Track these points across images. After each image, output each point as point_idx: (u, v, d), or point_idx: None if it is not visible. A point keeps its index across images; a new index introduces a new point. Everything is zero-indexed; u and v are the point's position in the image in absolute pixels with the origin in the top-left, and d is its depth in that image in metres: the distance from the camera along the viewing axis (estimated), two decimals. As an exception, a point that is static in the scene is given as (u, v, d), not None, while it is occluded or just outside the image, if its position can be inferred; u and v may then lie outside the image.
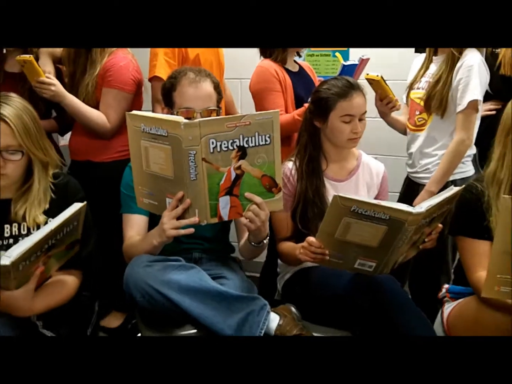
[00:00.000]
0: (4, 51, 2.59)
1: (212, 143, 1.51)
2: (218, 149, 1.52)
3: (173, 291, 1.64)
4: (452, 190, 1.70)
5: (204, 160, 1.52)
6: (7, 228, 1.63)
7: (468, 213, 1.73)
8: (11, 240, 1.62)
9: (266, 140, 1.58)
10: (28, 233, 1.62)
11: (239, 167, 1.57)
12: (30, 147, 1.59)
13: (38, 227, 1.62)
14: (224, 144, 1.53)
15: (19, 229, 1.64)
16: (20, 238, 1.61)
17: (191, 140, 1.49)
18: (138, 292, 1.66)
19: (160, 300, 1.64)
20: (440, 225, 1.75)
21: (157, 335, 1.75)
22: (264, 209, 1.63)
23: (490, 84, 2.35)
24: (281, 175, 1.67)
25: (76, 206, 1.52)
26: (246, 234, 1.85)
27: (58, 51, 2.62)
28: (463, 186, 1.76)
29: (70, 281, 1.66)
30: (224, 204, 1.60)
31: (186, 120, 1.51)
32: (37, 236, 1.42)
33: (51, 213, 1.63)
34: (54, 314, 1.62)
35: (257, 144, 1.57)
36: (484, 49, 2.44)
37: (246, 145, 1.56)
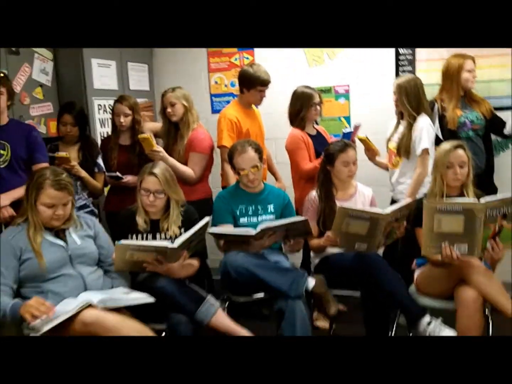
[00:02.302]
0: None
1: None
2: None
3: (251, 266, 2.90)
4: (407, 200, 2.97)
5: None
6: (158, 235, 2.91)
7: (419, 215, 2.95)
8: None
9: None
10: (170, 239, 2.88)
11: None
12: (168, 190, 2.89)
13: (175, 236, 2.88)
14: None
15: (165, 236, 2.91)
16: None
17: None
18: (233, 270, 2.92)
19: (244, 273, 2.89)
20: (404, 222, 3.00)
21: (242, 299, 2.99)
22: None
23: (442, 134, 3.63)
24: None
25: (204, 221, 2.78)
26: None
27: (158, 127, 3.96)
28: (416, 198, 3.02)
29: (195, 262, 2.92)
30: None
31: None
32: (182, 237, 2.68)
33: (183, 227, 2.92)
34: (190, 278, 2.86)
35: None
36: (436, 113, 3.68)
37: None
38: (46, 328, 2.08)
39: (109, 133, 4.07)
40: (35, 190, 2.47)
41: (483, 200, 2.59)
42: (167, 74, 4.94)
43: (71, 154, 3.55)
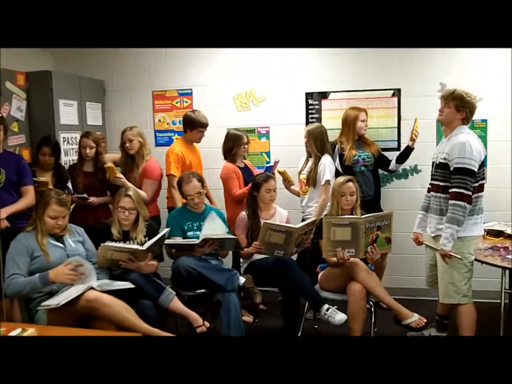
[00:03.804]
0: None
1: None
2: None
3: (198, 267, 3.84)
4: (312, 219, 4.03)
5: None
6: (127, 242, 3.79)
7: (321, 229, 3.95)
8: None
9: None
10: (138, 245, 3.76)
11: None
12: (138, 208, 3.81)
13: (142, 243, 3.76)
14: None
15: (133, 243, 3.78)
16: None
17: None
18: (184, 269, 3.85)
19: (193, 272, 3.83)
20: (311, 235, 4.03)
21: (188, 293, 3.92)
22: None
23: (341, 168, 4.70)
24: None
25: (163, 232, 3.70)
26: None
27: (116, 157, 4.83)
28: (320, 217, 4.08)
29: (156, 262, 3.80)
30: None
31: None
32: (149, 242, 3.59)
33: (146, 236, 3.81)
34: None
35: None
36: (337, 152, 4.74)
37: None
38: (62, 302, 2.93)
39: (72, 161, 4.93)
40: (43, 206, 3.33)
41: (363, 216, 3.68)
42: (117, 112, 5.85)
43: (47, 179, 4.35)
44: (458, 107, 3.53)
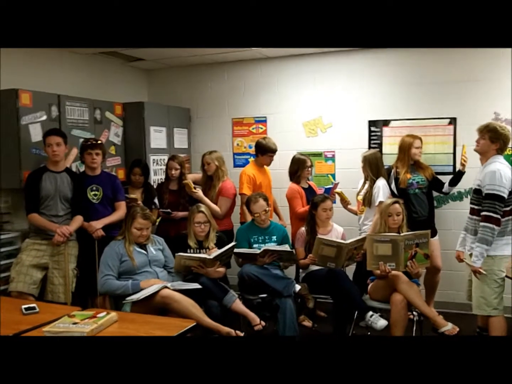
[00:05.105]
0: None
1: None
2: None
3: (259, 274, 4.44)
4: (362, 236, 4.53)
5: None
6: (202, 251, 4.45)
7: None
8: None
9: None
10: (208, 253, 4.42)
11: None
12: (210, 220, 4.47)
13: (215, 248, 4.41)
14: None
15: (205, 251, 4.42)
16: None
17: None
18: (247, 276, 4.46)
19: (254, 278, 4.43)
20: (362, 250, 4.53)
21: (251, 297, 4.52)
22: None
23: (397, 191, 5.14)
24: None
25: (231, 244, 4.33)
26: None
27: (197, 177, 5.54)
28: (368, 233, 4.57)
29: (223, 269, 4.43)
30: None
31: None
32: (216, 252, 4.23)
33: (217, 246, 4.46)
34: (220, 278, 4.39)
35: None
36: (392, 176, 5.20)
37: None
38: (143, 296, 3.64)
39: (160, 180, 5.70)
40: (131, 219, 4.07)
41: (402, 234, 4.16)
42: (201, 136, 6.63)
43: (137, 195, 5.11)
44: (492, 139, 3.95)
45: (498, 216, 3.79)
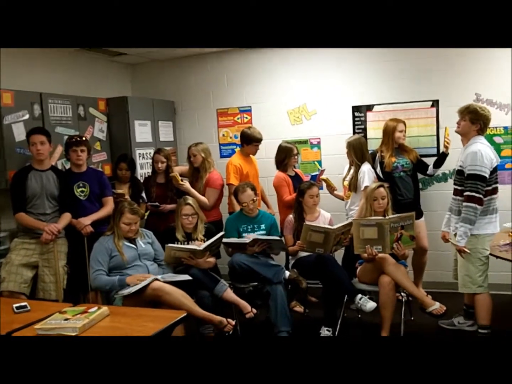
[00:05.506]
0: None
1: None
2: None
3: (249, 262, 4.48)
4: (348, 221, 4.59)
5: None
6: (190, 243, 4.48)
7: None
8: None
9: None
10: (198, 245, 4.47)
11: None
12: (198, 213, 4.50)
13: (204, 240, 4.43)
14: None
15: (193, 243, 4.49)
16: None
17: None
18: (237, 264, 4.50)
19: (244, 267, 4.47)
20: (349, 235, 4.59)
21: (242, 286, 4.57)
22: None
23: (382, 174, 5.20)
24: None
25: (220, 234, 4.38)
26: None
27: (184, 169, 5.58)
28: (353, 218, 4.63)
29: (213, 259, 4.48)
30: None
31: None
32: (206, 243, 4.28)
33: (205, 237, 4.50)
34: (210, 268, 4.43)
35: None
36: (377, 160, 5.26)
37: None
38: (133, 290, 3.67)
39: (147, 173, 5.72)
40: (119, 214, 4.09)
41: (387, 217, 4.21)
42: (187, 129, 6.64)
43: (124, 190, 5.13)
44: (473, 120, 4.00)
45: (481, 196, 3.85)
